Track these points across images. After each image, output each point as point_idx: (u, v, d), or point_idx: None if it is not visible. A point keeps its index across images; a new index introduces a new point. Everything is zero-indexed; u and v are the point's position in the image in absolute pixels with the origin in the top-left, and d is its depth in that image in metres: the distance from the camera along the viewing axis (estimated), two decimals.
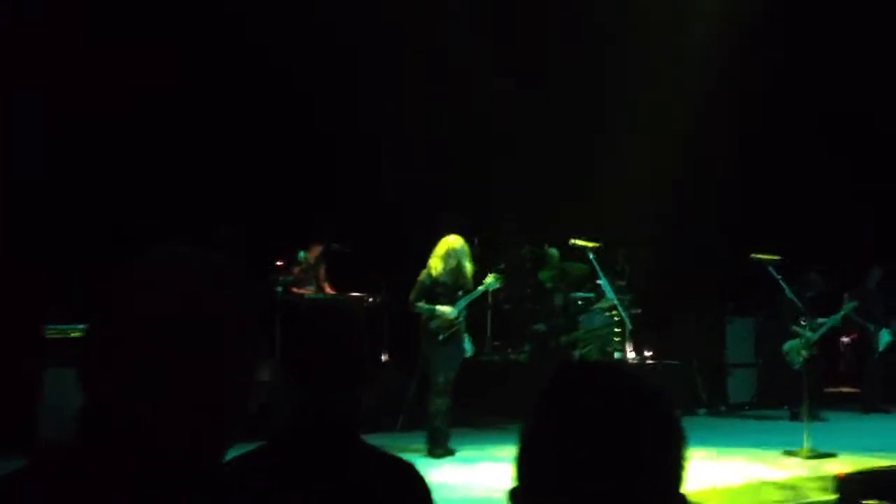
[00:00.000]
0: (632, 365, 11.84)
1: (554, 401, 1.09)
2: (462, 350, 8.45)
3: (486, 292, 9.24)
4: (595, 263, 9.02)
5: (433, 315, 8.23)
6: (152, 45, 10.18)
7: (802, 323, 10.30)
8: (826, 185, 13.67)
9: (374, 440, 2.17)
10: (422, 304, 8.30)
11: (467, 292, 8.46)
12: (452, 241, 8.34)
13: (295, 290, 10.18)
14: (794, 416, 10.96)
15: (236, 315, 1.20)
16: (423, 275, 8.38)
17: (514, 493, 1.09)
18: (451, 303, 8.30)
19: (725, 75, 13.09)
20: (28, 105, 9.14)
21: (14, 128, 9.08)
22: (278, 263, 10.06)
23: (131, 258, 1.22)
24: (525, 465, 1.08)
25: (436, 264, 8.33)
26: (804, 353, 9.96)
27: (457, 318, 8.31)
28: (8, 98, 8.93)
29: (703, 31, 12.82)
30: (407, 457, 2.18)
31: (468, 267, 8.44)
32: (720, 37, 12.76)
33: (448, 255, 8.29)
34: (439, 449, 8.07)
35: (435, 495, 2.10)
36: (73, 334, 8.02)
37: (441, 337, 8.22)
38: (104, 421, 1.13)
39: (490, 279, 8.66)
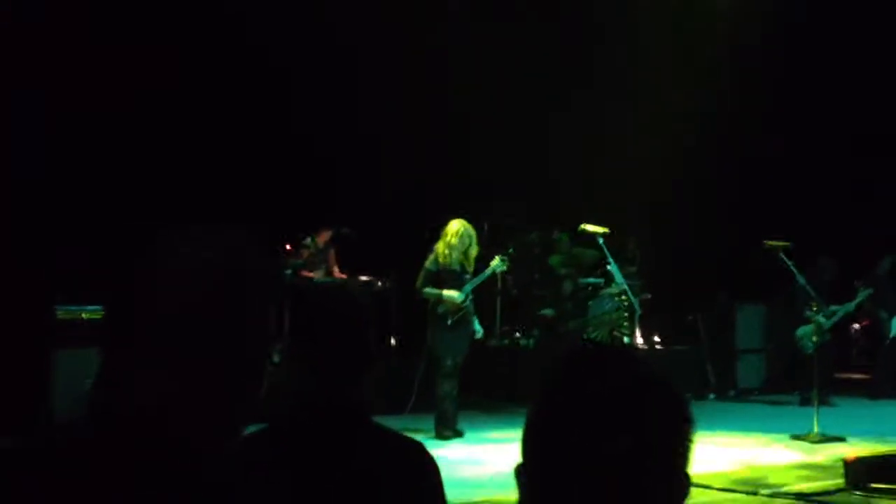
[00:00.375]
0: (639, 349, 11.84)
1: (561, 382, 1.09)
2: (471, 333, 8.46)
3: (494, 277, 9.25)
4: (605, 249, 9.01)
5: (440, 300, 8.25)
6: (154, 45, 10.19)
7: (814, 309, 10.27)
8: (837, 173, 13.63)
9: (383, 422, 2.17)
10: (429, 290, 8.32)
11: (473, 276, 8.47)
12: (458, 226, 8.35)
13: (305, 273, 10.22)
14: (805, 402, 10.96)
15: (256, 304, 1.20)
16: (429, 260, 8.39)
17: (519, 470, 1.09)
18: (458, 287, 8.31)
19: (735, 64, 13.03)
20: (30, 98, 9.14)
21: (17, 116, 9.10)
22: (287, 247, 10.10)
23: (150, 242, 1.21)
24: (531, 445, 1.08)
25: (442, 249, 8.35)
26: (815, 339, 9.95)
27: (464, 301, 8.32)
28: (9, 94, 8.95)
29: (718, 18, 12.73)
30: (415, 438, 2.19)
31: (473, 251, 8.46)
32: (734, 25, 12.68)
33: (454, 240, 8.30)
34: (447, 430, 8.12)
35: (443, 475, 2.11)
36: (83, 315, 8.07)
37: (449, 321, 8.24)
38: (112, 406, 1.12)
39: (496, 261, 8.69)
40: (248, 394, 1.19)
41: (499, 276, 12.08)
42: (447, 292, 8.26)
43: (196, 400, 1.13)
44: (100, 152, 9.89)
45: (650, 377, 1.08)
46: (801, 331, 11.06)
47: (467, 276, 8.43)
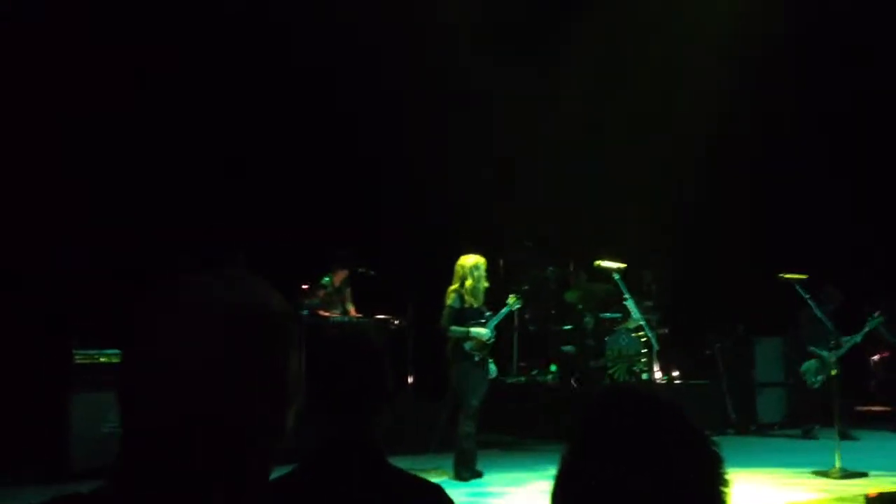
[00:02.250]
0: (657, 384, 11.76)
1: (595, 429, 1.08)
2: (488, 372, 8.43)
3: (510, 314, 9.22)
4: (621, 284, 9.00)
5: (468, 336, 8.22)
6: (175, 68, 10.32)
7: (831, 343, 10.16)
8: (847, 200, 13.59)
9: (403, 461, 2.17)
10: (456, 328, 8.26)
11: (491, 313, 8.46)
12: (474, 260, 8.34)
13: (321, 312, 10.24)
14: (806, 434, 11.12)
15: (275, 353, 1.17)
16: (451, 298, 8.34)
17: None
18: (481, 324, 8.30)
19: (749, 94, 13.06)
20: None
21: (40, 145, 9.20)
22: (303, 287, 10.13)
23: (165, 288, 1.18)
24: (564, 492, 1.07)
25: (461, 289, 8.32)
26: (821, 375, 9.86)
27: (490, 339, 8.31)
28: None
29: (722, 46, 12.74)
30: (432, 480, 2.18)
31: (482, 286, 8.43)
32: (738, 53, 12.71)
33: (471, 276, 8.29)
34: (467, 472, 8.03)
35: None
36: (101, 359, 8.09)
37: (476, 358, 8.20)
38: (137, 455, 1.12)
39: (512, 299, 8.67)
40: (271, 443, 1.17)
41: (515, 313, 12.08)
42: (475, 330, 8.23)
43: (218, 451, 1.11)
44: (122, 177, 9.97)
45: (684, 422, 1.07)
46: (806, 365, 11.02)
47: (489, 314, 8.41)
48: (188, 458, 1.11)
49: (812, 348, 10.17)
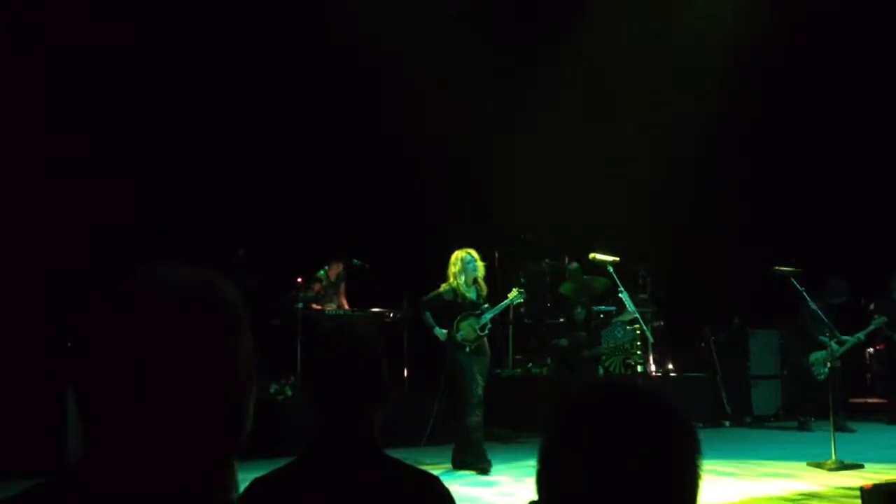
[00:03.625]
0: (652, 377, 11.79)
1: (575, 418, 1.10)
2: (487, 361, 8.38)
3: (506, 307, 9.21)
4: (615, 277, 9.00)
5: (457, 327, 8.21)
6: (170, 58, 10.30)
7: (826, 334, 10.20)
8: (841, 192, 13.63)
9: (397, 455, 2.18)
10: (428, 315, 8.34)
11: (488, 305, 8.42)
12: (464, 254, 8.32)
13: (315, 306, 10.23)
14: (802, 426, 11.20)
15: (228, 341, 1.16)
16: (445, 288, 8.34)
17: None
18: (475, 316, 8.27)
19: (735, 90, 13.04)
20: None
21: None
22: (298, 280, 10.12)
23: (119, 281, 1.18)
24: (545, 480, 1.08)
25: (456, 282, 8.31)
26: (828, 365, 9.89)
27: (483, 330, 8.25)
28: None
29: (714, 39, 12.75)
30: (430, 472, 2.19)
31: (480, 273, 8.40)
32: (731, 46, 12.71)
33: (464, 269, 8.29)
34: (478, 462, 7.95)
35: None
36: None
37: (468, 349, 8.17)
38: (99, 443, 1.12)
39: (514, 293, 8.65)
40: (232, 431, 1.16)
41: (511, 307, 12.08)
42: (438, 329, 8.28)
43: (176, 440, 1.10)
44: (117, 168, 9.94)
45: (664, 411, 1.08)
46: (815, 356, 11.02)
47: (486, 306, 8.38)
48: (147, 449, 1.10)
49: (822, 339, 10.17)
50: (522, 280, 10.73)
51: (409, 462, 2.17)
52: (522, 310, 12.11)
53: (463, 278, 8.28)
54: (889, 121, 13.29)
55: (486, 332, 8.33)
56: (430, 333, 8.41)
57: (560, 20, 12.72)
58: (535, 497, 1.10)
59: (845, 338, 10.97)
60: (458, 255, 8.34)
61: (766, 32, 12.56)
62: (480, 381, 8.15)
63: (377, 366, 2.18)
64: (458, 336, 8.20)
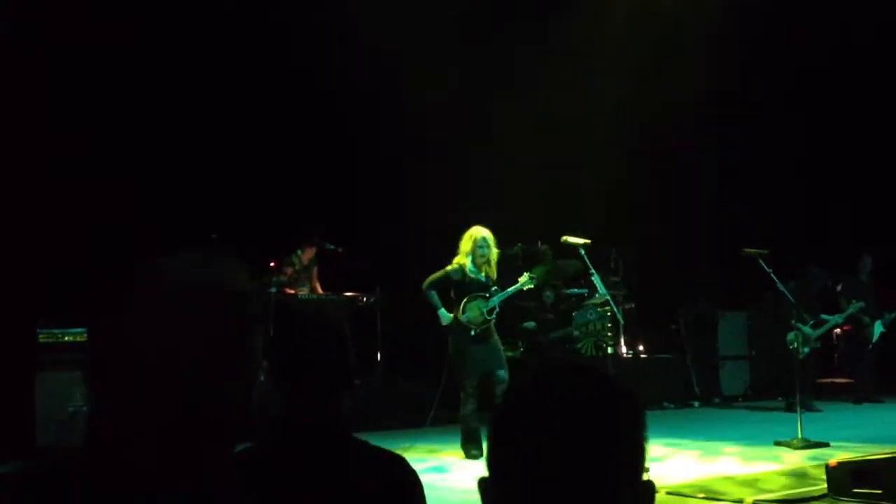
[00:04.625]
0: (623, 358, 11.91)
1: (520, 398, 1.13)
2: (496, 348, 8.05)
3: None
4: (586, 259, 9.04)
5: (464, 308, 7.89)
6: (147, 50, 10.20)
7: (795, 316, 10.33)
8: (808, 176, 13.79)
9: (370, 439, 2.19)
10: (434, 295, 7.99)
11: (496, 287, 8.10)
12: (479, 235, 7.97)
13: (289, 290, 10.21)
14: (790, 407, 11.07)
15: (246, 329, 1.19)
16: (453, 266, 7.98)
17: (482, 482, 1.13)
18: (483, 297, 7.97)
19: (707, 72, 13.11)
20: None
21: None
22: (271, 264, 10.09)
23: (136, 269, 1.18)
24: (494, 459, 1.11)
25: (465, 260, 7.96)
26: (806, 346, 10.01)
27: (490, 314, 7.95)
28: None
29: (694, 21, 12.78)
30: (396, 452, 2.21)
31: (494, 257, 8.06)
32: (706, 33, 12.76)
33: (473, 251, 7.94)
34: (476, 450, 7.74)
35: (428, 492, 2.13)
36: (65, 338, 8.03)
37: (473, 332, 7.88)
38: (106, 431, 1.13)
39: (524, 278, 8.27)
40: (237, 416, 1.17)
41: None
42: (442, 311, 7.96)
43: (187, 425, 1.12)
44: (88, 156, 9.84)
45: (611, 387, 1.11)
46: (792, 336, 11.18)
47: (495, 289, 8.08)
48: (158, 437, 1.11)
49: (795, 322, 10.27)
50: (538, 269, 10.69)
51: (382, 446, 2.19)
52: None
53: (471, 259, 7.94)
54: (863, 105, 13.44)
55: (493, 316, 8.02)
56: (413, 317, 8.18)
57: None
58: (485, 474, 1.13)
59: (825, 317, 11.10)
60: (471, 234, 7.97)
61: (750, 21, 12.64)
62: (478, 368, 7.87)
63: (344, 351, 2.20)
64: (465, 318, 7.87)
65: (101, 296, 1.18)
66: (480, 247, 7.94)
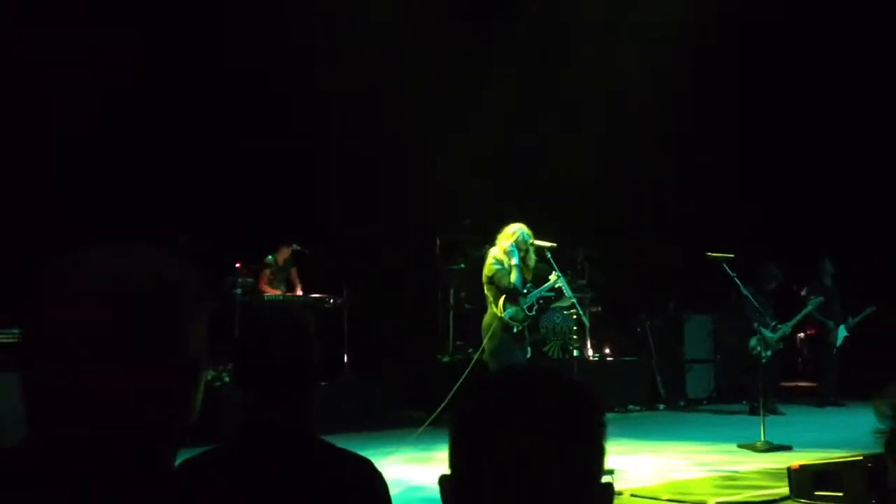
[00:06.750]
0: (589, 361, 11.96)
1: (481, 399, 1.14)
2: (526, 349, 7.90)
3: (446, 293, 9.12)
4: (553, 263, 9.06)
5: (505, 306, 7.64)
6: (122, 49, 10.11)
7: (758, 319, 10.42)
8: (772, 179, 13.94)
9: (337, 441, 2.19)
10: (510, 292, 7.64)
11: (531, 285, 7.87)
12: (520, 236, 7.70)
13: (268, 289, 10.29)
14: (754, 411, 11.09)
15: (180, 319, 1.15)
16: (504, 265, 7.67)
17: (443, 480, 1.14)
18: (522, 295, 7.74)
19: (670, 78, 13.21)
20: None
21: None
22: (237, 265, 10.06)
23: (60, 262, 1.14)
24: (455, 455, 1.12)
25: (504, 257, 7.69)
26: (769, 350, 10.07)
27: (531, 311, 7.79)
28: None
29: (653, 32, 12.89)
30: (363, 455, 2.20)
31: (531, 259, 7.85)
32: (671, 44, 12.85)
33: (511, 252, 7.67)
34: None
35: (393, 491, 2.13)
36: (5, 339, 7.88)
37: (516, 329, 7.69)
38: (45, 430, 1.10)
39: (554, 277, 7.98)
40: (173, 413, 1.14)
41: (451, 292, 12.11)
42: (512, 309, 7.63)
43: (124, 421, 1.09)
44: (49, 153, 9.72)
45: (570, 388, 1.12)
46: (754, 341, 11.25)
47: (530, 285, 7.83)
48: (89, 434, 1.09)
49: (757, 325, 10.34)
50: (462, 265, 10.70)
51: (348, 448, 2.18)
52: (463, 294, 12.15)
53: (510, 260, 7.65)
54: (820, 108, 13.61)
55: (534, 312, 7.87)
56: (391, 320, 8.14)
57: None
58: (447, 472, 1.14)
59: (781, 327, 11.21)
60: (514, 234, 7.66)
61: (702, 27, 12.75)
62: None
63: (310, 351, 2.19)
64: (507, 315, 7.66)
65: (27, 288, 1.14)
66: (512, 253, 7.65)
